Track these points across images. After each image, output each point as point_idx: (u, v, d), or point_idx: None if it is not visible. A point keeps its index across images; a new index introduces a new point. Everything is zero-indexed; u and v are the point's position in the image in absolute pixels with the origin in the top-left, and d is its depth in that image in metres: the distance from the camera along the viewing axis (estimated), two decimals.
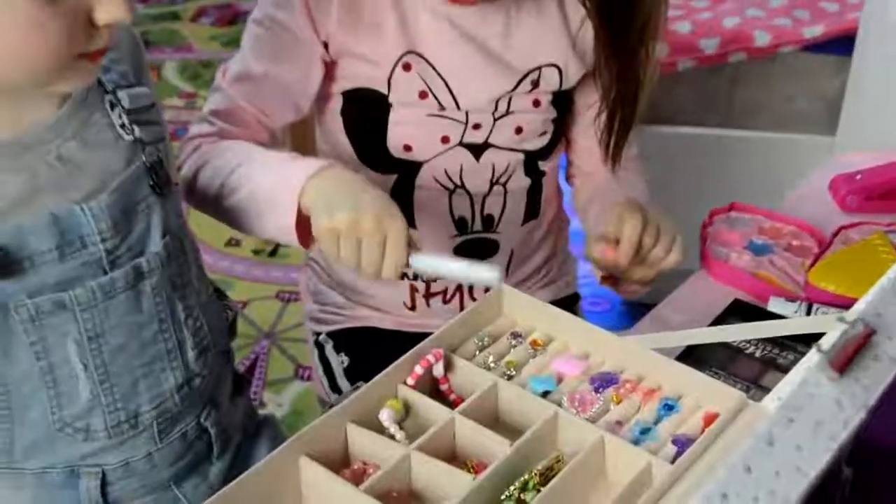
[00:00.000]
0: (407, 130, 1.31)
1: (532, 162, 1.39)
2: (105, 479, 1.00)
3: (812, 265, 1.36)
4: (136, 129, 0.94)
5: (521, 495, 0.80)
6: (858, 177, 1.58)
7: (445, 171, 1.34)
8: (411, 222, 1.35)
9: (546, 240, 1.51)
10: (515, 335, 1.00)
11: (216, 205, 1.15)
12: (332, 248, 1.04)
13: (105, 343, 0.94)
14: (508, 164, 1.36)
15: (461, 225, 1.39)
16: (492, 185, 1.37)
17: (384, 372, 0.91)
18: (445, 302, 1.44)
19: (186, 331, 1.01)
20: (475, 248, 1.41)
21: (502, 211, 1.40)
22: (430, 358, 0.93)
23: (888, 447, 0.74)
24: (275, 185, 1.10)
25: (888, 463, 0.77)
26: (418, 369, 0.92)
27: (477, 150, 1.33)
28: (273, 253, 2.89)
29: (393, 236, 1.02)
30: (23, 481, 0.97)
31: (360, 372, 1.44)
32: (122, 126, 0.94)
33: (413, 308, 1.45)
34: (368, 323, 1.47)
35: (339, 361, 1.47)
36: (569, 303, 1.56)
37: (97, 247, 0.91)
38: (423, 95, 1.29)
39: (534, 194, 1.43)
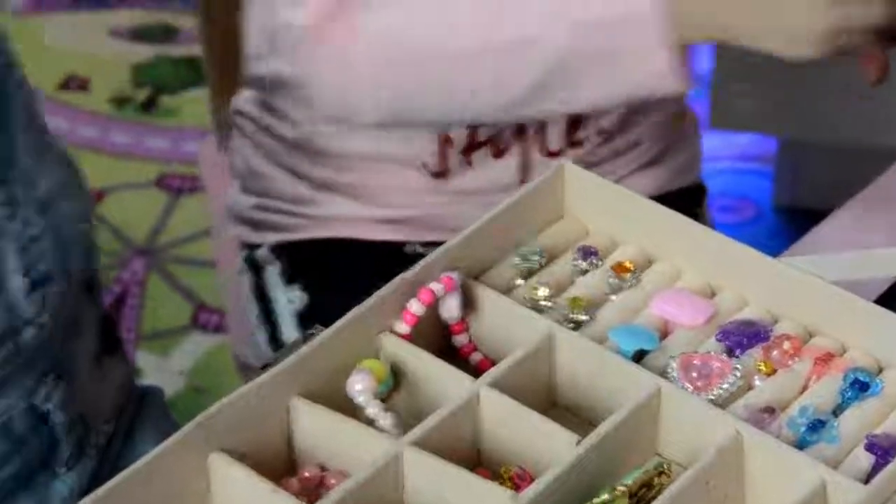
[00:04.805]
0: None
1: None
2: None
3: None
4: None
5: None
6: None
7: None
8: None
9: None
10: (586, 252, 0.86)
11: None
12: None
13: None
14: None
15: None
16: None
17: (356, 310, 0.78)
18: (497, 154, 1.13)
19: (10, 243, 0.87)
20: None
21: None
22: (437, 287, 0.79)
23: None
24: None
25: None
26: (415, 307, 0.78)
27: None
28: (149, 104, 2.15)
29: None
30: None
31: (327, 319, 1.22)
32: None
33: (442, 174, 1.13)
34: (352, 231, 1.15)
35: (288, 299, 1.21)
36: (686, 199, 1.21)
37: None
38: None
39: None
